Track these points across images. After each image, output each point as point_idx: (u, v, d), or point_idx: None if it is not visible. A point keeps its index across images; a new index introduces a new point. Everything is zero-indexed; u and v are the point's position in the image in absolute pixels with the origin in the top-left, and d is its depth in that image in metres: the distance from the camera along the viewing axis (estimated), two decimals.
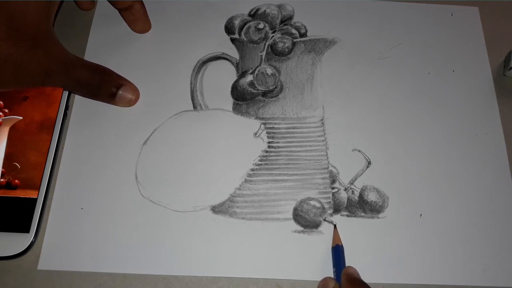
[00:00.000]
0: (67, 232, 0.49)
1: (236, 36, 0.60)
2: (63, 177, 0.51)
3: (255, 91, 0.56)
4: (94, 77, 0.51)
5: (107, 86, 0.53)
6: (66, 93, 0.54)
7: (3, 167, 0.50)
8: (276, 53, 0.58)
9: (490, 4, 0.64)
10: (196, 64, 0.58)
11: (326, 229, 0.50)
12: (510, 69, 0.57)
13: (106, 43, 0.58)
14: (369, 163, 0.53)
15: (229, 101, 0.56)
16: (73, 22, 0.60)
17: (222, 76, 0.57)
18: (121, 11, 0.58)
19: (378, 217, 0.51)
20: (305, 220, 0.50)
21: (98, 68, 0.52)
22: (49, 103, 0.53)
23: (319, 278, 0.47)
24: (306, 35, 0.60)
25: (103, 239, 0.48)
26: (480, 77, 0.59)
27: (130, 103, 0.55)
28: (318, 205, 0.51)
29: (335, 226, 0.50)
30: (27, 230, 0.47)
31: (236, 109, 0.56)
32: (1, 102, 0.52)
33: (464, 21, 0.62)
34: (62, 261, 0.47)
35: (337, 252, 0.47)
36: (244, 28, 0.60)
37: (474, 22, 0.62)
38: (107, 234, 0.49)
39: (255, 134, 0.54)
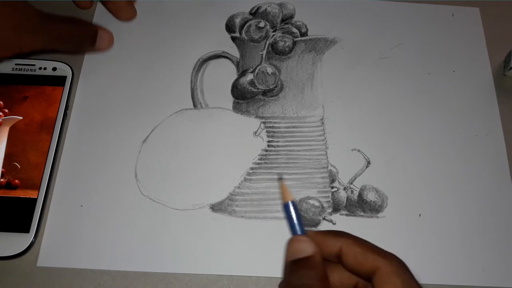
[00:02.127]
0: (67, 230, 0.49)
1: (237, 34, 0.60)
2: (63, 177, 0.51)
3: (255, 90, 0.56)
4: (72, 28, 0.51)
5: (86, 35, 0.53)
6: (66, 93, 0.54)
7: (3, 167, 0.50)
8: (276, 52, 0.58)
9: (491, 4, 0.63)
10: (197, 63, 0.58)
11: (325, 228, 0.50)
12: (510, 69, 0.57)
13: None
14: (369, 162, 0.53)
15: (229, 99, 0.56)
16: None
17: (223, 75, 0.57)
18: (103, 3, 0.58)
19: (378, 217, 0.51)
20: (304, 219, 0.50)
21: (73, 19, 0.52)
22: (49, 103, 0.53)
23: None
24: (307, 34, 0.60)
25: (102, 237, 0.49)
26: (480, 77, 0.59)
27: (109, 46, 0.57)
28: (317, 204, 0.51)
29: (280, 178, 0.46)
30: (27, 230, 0.47)
31: (236, 107, 0.56)
32: (1, 102, 0.52)
33: (465, 22, 0.62)
34: (61, 258, 0.48)
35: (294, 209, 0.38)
36: (245, 27, 0.59)
37: (475, 23, 0.62)
38: (107, 232, 0.49)
39: (255, 133, 0.54)
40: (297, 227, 0.37)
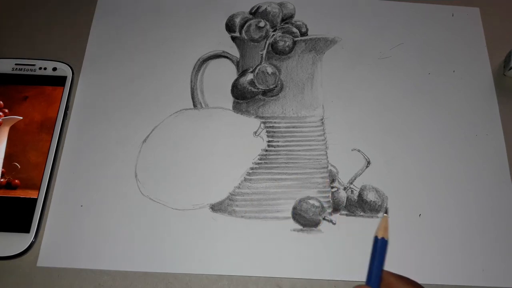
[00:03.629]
0: (67, 230, 0.49)
1: (237, 34, 0.60)
2: (63, 177, 0.51)
3: (255, 90, 0.56)
4: None
5: None
6: (66, 93, 0.54)
7: (3, 167, 0.50)
8: (276, 52, 0.58)
9: (491, 4, 0.63)
10: (197, 62, 0.58)
11: (325, 228, 0.50)
12: (510, 69, 0.57)
13: (106, 42, 0.58)
14: (369, 162, 0.53)
15: (229, 99, 0.56)
16: (73, 22, 0.59)
17: (223, 75, 0.57)
18: None
19: (377, 217, 0.51)
20: (304, 219, 0.50)
21: None
22: (49, 103, 0.53)
23: (318, 277, 0.47)
24: (307, 34, 0.60)
25: (102, 237, 0.49)
26: (480, 77, 0.59)
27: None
28: (317, 204, 0.51)
29: (386, 211, 0.49)
30: (27, 230, 0.47)
31: (236, 107, 0.56)
32: (1, 102, 0.52)
33: (465, 22, 0.62)
34: (61, 258, 0.47)
35: (378, 246, 0.40)
36: (245, 26, 0.59)
37: (475, 23, 0.62)
38: (107, 232, 0.49)
39: (255, 133, 0.54)
40: (374, 271, 0.38)
